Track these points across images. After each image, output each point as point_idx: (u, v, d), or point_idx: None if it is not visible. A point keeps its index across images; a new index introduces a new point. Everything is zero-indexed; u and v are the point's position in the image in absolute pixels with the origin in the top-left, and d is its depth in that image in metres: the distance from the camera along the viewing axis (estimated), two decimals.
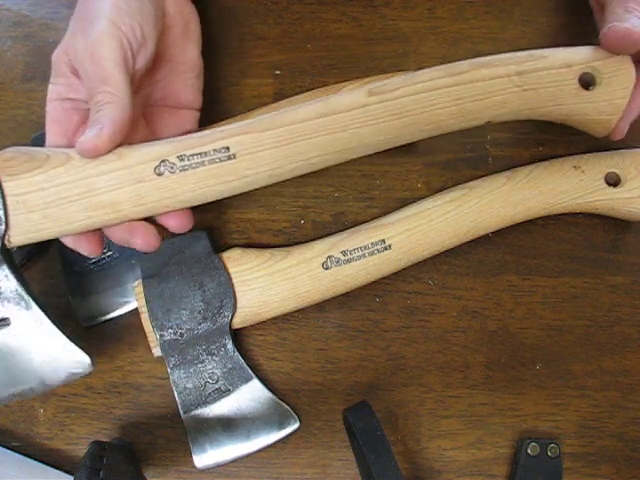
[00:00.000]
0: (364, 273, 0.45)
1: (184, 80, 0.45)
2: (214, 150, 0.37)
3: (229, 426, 0.43)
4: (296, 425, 0.44)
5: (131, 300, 0.47)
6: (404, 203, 0.48)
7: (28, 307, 0.37)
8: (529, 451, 0.43)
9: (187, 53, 0.45)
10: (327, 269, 0.44)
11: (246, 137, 0.38)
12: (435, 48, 0.54)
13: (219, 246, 0.46)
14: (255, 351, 0.47)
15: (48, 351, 0.37)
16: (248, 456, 0.44)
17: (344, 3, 0.55)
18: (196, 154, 0.37)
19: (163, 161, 0.37)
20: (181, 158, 0.37)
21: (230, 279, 0.44)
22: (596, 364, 0.46)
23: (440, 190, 0.48)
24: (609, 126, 0.42)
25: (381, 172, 0.51)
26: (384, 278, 0.46)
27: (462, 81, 0.39)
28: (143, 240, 0.39)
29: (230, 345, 0.44)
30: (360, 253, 0.44)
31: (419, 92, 0.38)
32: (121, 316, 0.47)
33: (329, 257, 0.44)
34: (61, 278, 0.48)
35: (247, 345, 0.47)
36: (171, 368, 0.44)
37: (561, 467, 0.43)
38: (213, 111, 0.51)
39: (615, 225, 0.49)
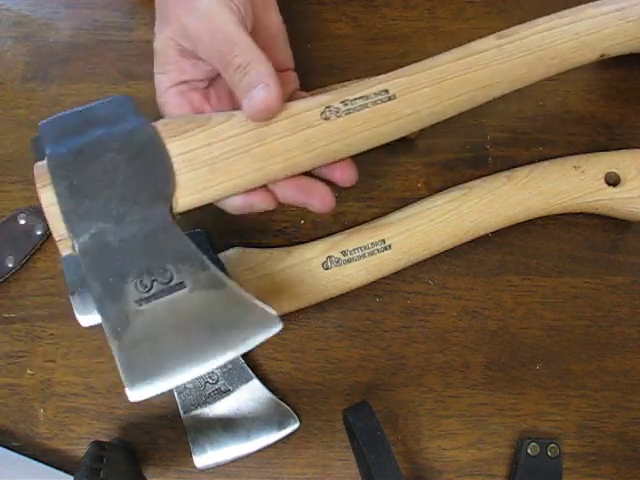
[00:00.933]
0: (364, 273, 0.45)
1: (277, 44, 0.44)
2: (374, 93, 0.39)
3: (229, 426, 0.43)
4: (296, 425, 0.44)
5: None
6: (404, 203, 0.48)
7: (204, 268, 0.34)
8: (529, 451, 0.43)
9: (272, 18, 0.44)
10: (327, 269, 0.44)
11: (402, 80, 0.39)
12: (435, 48, 0.54)
13: (219, 246, 0.46)
14: (255, 351, 0.47)
15: (231, 311, 0.33)
16: (248, 456, 0.44)
17: (344, 3, 0.55)
18: (358, 98, 0.38)
19: (328, 107, 0.38)
20: (345, 103, 0.38)
21: (230, 279, 0.44)
22: (596, 364, 0.46)
23: (440, 190, 0.48)
24: None
25: (381, 172, 0.51)
26: (384, 278, 0.46)
27: (575, 19, 0.43)
28: (319, 199, 0.39)
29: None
30: (360, 253, 0.44)
31: (542, 31, 0.42)
32: None
33: (329, 257, 0.44)
34: (61, 278, 0.48)
35: None
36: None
37: (561, 467, 0.43)
38: None
39: (615, 225, 0.49)
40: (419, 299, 0.48)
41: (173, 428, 0.45)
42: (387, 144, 0.51)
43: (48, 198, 0.34)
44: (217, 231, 0.49)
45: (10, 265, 0.48)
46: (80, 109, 0.37)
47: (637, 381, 0.46)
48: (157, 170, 0.35)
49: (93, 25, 0.56)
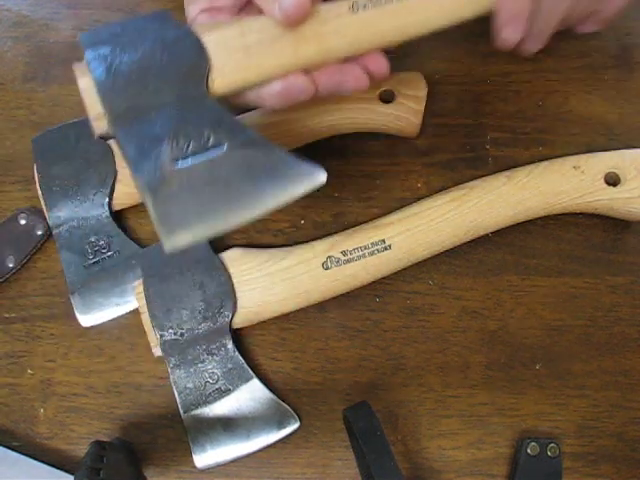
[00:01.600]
0: (364, 273, 0.45)
1: None
2: None
3: (229, 426, 0.43)
4: (296, 425, 0.44)
5: (131, 300, 0.47)
6: (404, 203, 0.48)
7: (242, 130, 0.34)
8: (529, 451, 0.43)
9: None
10: (327, 269, 0.44)
11: None
12: (435, 48, 0.54)
13: (219, 246, 0.46)
14: (255, 351, 0.47)
15: (271, 166, 0.33)
16: (248, 456, 0.44)
17: None
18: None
19: (356, 1, 0.38)
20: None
21: (230, 279, 0.44)
22: (596, 364, 0.46)
23: (440, 190, 0.48)
24: None
25: (381, 172, 0.51)
26: (384, 278, 0.46)
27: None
28: (354, 78, 0.39)
29: (230, 345, 0.44)
30: (360, 253, 0.44)
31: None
32: (121, 316, 0.47)
33: (329, 257, 0.44)
34: (61, 278, 0.48)
35: (247, 345, 0.47)
36: (171, 368, 0.44)
37: (561, 467, 0.43)
38: None
39: (615, 225, 0.49)
40: (419, 299, 0.48)
41: (173, 428, 0.45)
42: (387, 144, 0.52)
43: (86, 82, 0.35)
44: None
45: (10, 265, 0.48)
46: (118, 22, 0.38)
47: (637, 381, 0.46)
48: (192, 54, 0.36)
49: (93, 25, 0.56)
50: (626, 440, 0.45)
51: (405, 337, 0.47)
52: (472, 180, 0.48)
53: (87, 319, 0.47)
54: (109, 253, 0.48)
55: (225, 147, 0.33)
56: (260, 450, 0.44)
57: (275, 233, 0.49)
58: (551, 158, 0.49)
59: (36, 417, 0.45)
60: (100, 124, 0.36)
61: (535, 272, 0.48)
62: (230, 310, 0.44)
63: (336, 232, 0.47)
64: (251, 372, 0.44)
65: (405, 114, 0.49)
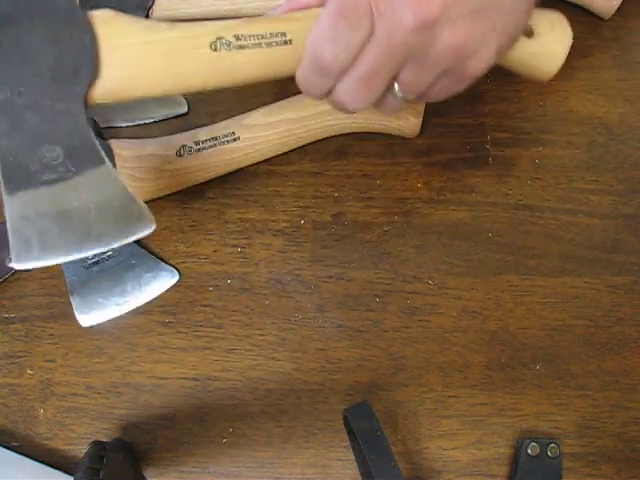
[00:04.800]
0: (255, 66, 0.39)
1: None
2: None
3: (64, 218, 0.34)
4: (150, 227, 0.34)
5: (131, 300, 0.47)
6: (404, 203, 0.48)
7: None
8: (529, 451, 0.43)
9: None
10: (215, 51, 0.38)
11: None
12: None
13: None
14: (255, 351, 0.47)
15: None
16: (76, 259, 0.34)
17: None
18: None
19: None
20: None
21: (94, 39, 0.35)
22: (596, 364, 0.46)
23: (440, 190, 0.48)
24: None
25: (381, 172, 0.51)
26: (384, 278, 0.46)
27: None
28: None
29: (83, 118, 0.35)
30: (256, 41, 0.38)
31: None
32: (121, 316, 0.47)
33: (219, 38, 0.38)
34: (61, 278, 0.48)
35: (247, 345, 0.47)
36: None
37: (561, 467, 0.43)
38: (210, 111, 0.52)
39: (615, 225, 0.49)
40: (419, 299, 0.48)
41: (173, 428, 0.45)
42: (387, 144, 0.52)
43: None
44: (217, 231, 0.49)
45: (10, 265, 0.48)
46: None
47: (637, 381, 0.46)
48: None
49: None
50: (626, 440, 0.45)
51: (405, 337, 0.47)
52: (472, 180, 0.48)
53: (87, 319, 0.47)
54: (109, 253, 0.48)
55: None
56: (100, 252, 0.37)
57: (275, 233, 0.49)
58: (551, 158, 0.49)
59: (36, 417, 0.45)
60: None
61: (535, 272, 0.48)
62: (88, 75, 0.35)
63: (336, 232, 0.47)
64: (104, 156, 0.35)
65: (405, 114, 0.49)
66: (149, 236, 0.33)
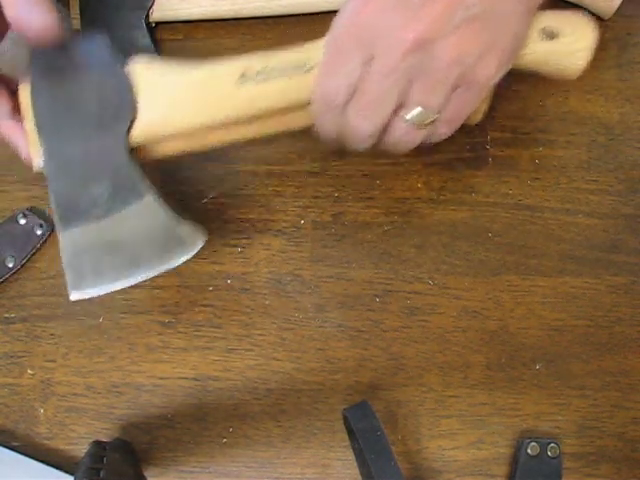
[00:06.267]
0: (281, 95, 0.41)
1: None
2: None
3: (114, 248, 0.37)
4: (197, 246, 0.39)
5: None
6: (404, 203, 0.48)
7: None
8: (529, 451, 0.43)
9: None
10: (242, 84, 0.40)
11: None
12: None
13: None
14: (255, 351, 0.47)
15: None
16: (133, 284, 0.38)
17: None
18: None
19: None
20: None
21: (131, 85, 0.40)
22: (596, 364, 0.46)
23: (440, 190, 0.48)
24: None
25: (381, 172, 0.51)
26: (384, 278, 0.46)
27: None
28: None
29: (125, 157, 0.38)
30: (279, 73, 0.41)
31: None
32: (121, 316, 0.47)
33: (244, 73, 0.40)
34: (61, 278, 0.48)
35: (247, 345, 0.47)
36: (52, 179, 0.38)
37: (561, 467, 0.43)
38: None
39: (615, 225, 0.49)
40: (419, 299, 0.48)
41: (173, 428, 0.45)
42: None
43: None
44: (217, 231, 0.49)
45: (10, 265, 0.48)
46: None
47: (637, 381, 0.46)
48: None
49: None
50: (626, 440, 0.45)
51: (405, 337, 0.47)
52: (472, 179, 0.48)
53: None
54: None
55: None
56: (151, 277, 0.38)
57: (275, 233, 0.49)
58: (551, 158, 0.49)
59: (36, 417, 0.45)
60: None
61: (535, 272, 0.48)
62: (128, 118, 0.39)
63: (336, 232, 0.47)
64: (147, 188, 0.38)
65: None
66: None
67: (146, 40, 0.53)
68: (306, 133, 0.44)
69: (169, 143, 0.42)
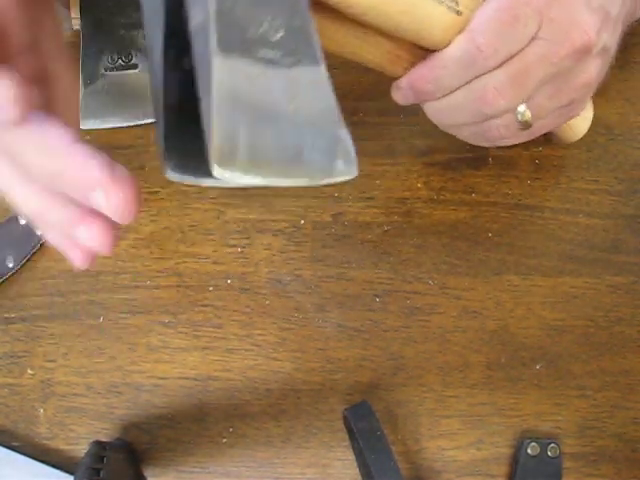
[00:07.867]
0: (409, 17, 0.34)
1: None
2: None
3: (278, 121, 0.26)
4: (352, 173, 0.26)
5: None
6: (404, 203, 0.48)
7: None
8: (529, 451, 0.43)
9: None
10: None
11: None
12: None
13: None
14: (255, 351, 0.47)
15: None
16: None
17: None
18: None
19: None
20: None
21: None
22: (596, 364, 0.46)
23: (440, 190, 0.48)
24: None
25: (381, 172, 0.51)
26: (384, 278, 0.46)
27: None
28: None
29: (305, 4, 0.29)
30: None
31: None
32: (120, 316, 0.47)
33: None
34: (61, 278, 0.48)
35: (247, 345, 0.47)
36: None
37: (561, 467, 0.43)
38: None
39: (615, 225, 0.49)
40: (419, 299, 0.48)
41: (173, 428, 0.45)
42: (387, 144, 0.52)
43: None
44: (217, 231, 0.49)
45: (10, 265, 0.48)
46: None
47: (637, 381, 0.46)
48: None
49: None
50: (626, 440, 0.45)
51: (405, 337, 0.47)
52: (472, 179, 0.48)
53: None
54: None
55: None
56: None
57: (275, 233, 0.49)
58: (551, 158, 0.49)
59: (36, 417, 0.45)
60: None
61: (535, 272, 0.48)
62: None
63: (336, 232, 0.47)
64: (321, 56, 0.28)
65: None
66: None
67: None
68: None
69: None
